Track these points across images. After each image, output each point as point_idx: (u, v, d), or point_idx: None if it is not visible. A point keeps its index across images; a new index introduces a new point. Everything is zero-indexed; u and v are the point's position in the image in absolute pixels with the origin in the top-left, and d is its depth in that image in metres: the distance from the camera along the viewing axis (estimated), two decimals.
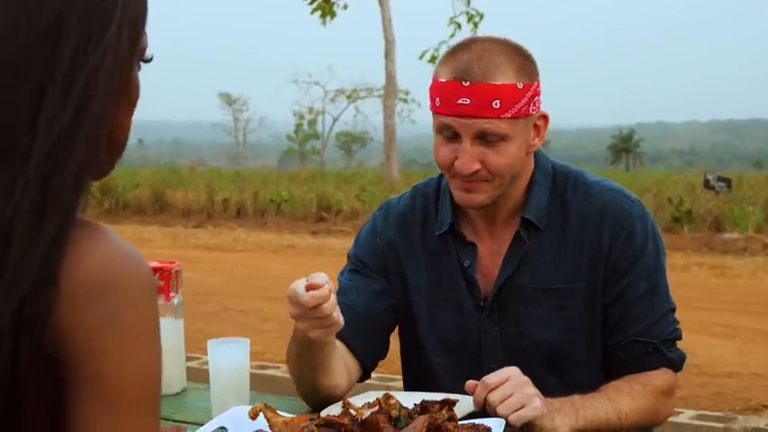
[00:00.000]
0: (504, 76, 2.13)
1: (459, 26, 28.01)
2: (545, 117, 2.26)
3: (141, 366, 1.04)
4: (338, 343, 2.22)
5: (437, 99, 2.18)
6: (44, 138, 1.01)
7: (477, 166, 2.16)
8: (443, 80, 2.16)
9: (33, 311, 0.99)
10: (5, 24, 1.01)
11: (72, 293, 1.01)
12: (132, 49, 1.11)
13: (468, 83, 2.12)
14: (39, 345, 0.99)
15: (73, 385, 1.02)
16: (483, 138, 2.15)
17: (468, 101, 2.12)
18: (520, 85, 2.14)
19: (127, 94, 1.13)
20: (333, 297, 1.96)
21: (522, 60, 2.19)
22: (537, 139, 2.25)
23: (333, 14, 27.91)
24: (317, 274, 1.97)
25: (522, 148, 2.20)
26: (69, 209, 1.03)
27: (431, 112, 2.25)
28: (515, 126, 2.15)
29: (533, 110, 2.19)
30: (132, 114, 1.17)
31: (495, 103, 2.11)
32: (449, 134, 2.18)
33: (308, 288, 1.94)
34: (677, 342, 2.31)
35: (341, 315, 2.01)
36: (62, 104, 1.02)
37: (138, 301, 1.05)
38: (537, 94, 2.20)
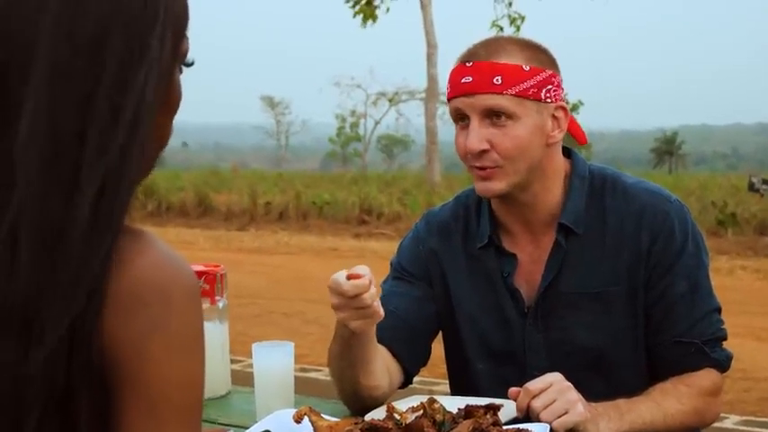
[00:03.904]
0: (508, 58, 2.19)
1: (502, 29, 27.99)
2: (564, 109, 2.27)
3: (185, 374, 1.05)
4: (381, 347, 2.23)
5: (448, 87, 2.26)
6: (96, 153, 1.01)
7: (485, 146, 2.18)
8: (452, 68, 2.25)
9: (83, 323, 1.00)
10: (52, 33, 1.02)
11: (118, 302, 1.02)
12: (174, 55, 1.12)
13: (471, 63, 2.20)
14: (87, 354, 1.00)
15: (118, 392, 1.03)
16: (490, 117, 2.18)
17: (471, 78, 2.19)
18: (526, 68, 2.18)
19: (168, 98, 1.13)
20: (373, 288, 1.99)
21: (533, 49, 2.24)
22: (557, 131, 2.26)
23: (374, 18, 28.06)
24: (359, 266, 1.99)
25: (534, 133, 2.20)
26: (121, 222, 1.04)
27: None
28: (522, 106, 2.18)
29: (547, 97, 2.21)
30: (173, 118, 1.18)
31: (497, 79, 2.16)
32: (460, 119, 2.23)
33: (349, 278, 1.96)
34: (722, 342, 2.28)
35: (381, 306, 2.03)
36: (114, 120, 1.03)
37: (183, 308, 1.05)
38: (551, 83, 2.22)
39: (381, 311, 2.03)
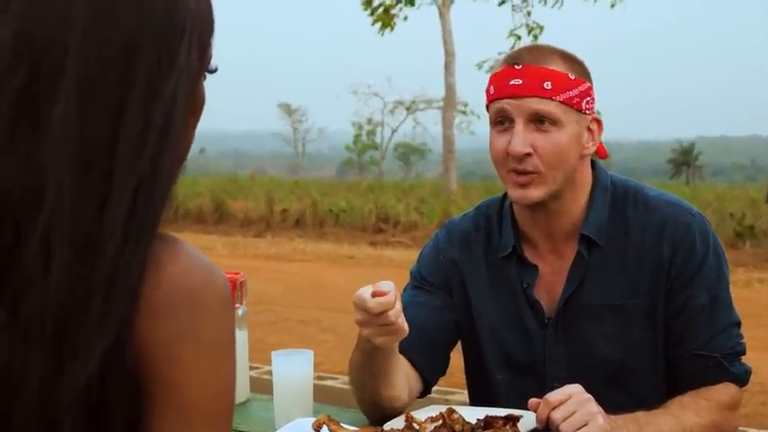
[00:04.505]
0: (556, 65, 2.20)
1: (520, 38, 27.95)
2: (599, 122, 2.28)
3: (215, 380, 1.05)
4: (401, 358, 2.23)
5: (491, 88, 2.24)
6: (129, 160, 1.02)
7: (528, 149, 2.17)
8: (498, 70, 2.24)
9: (117, 330, 1.00)
10: (81, 44, 1.03)
11: (150, 307, 1.02)
12: (200, 62, 1.13)
13: (520, 66, 2.20)
14: (121, 360, 1.01)
15: (150, 396, 1.03)
16: (535, 122, 2.18)
17: (520, 81, 2.18)
18: (571, 76, 2.19)
19: (193, 104, 1.14)
20: (398, 304, 1.98)
21: (575, 61, 2.25)
22: (591, 144, 2.26)
23: (392, 26, 28.11)
24: (383, 282, 1.98)
25: (573, 143, 2.21)
26: (156, 229, 1.05)
27: (487, 115, 2.30)
28: (567, 114, 2.19)
29: (586, 109, 2.22)
30: (197, 123, 1.18)
31: (547, 84, 2.16)
32: (503, 121, 2.22)
33: (374, 295, 1.95)
34: (741, 356, 2.28)
35: (405, 322, 2.02)
36: (146, 127, 1.04)
37: (215, 314, 1.06)
38: (589, 95, 2.23)
39: (406, 328, 2.02)
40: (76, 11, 1.03)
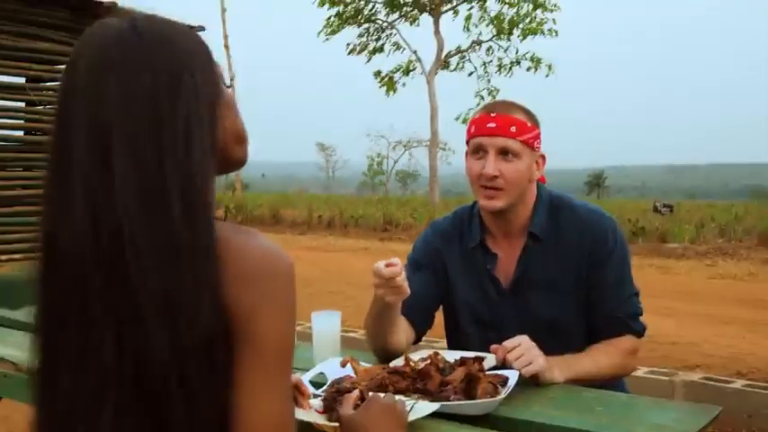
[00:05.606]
0: (519, 115, 2.19)
1: (483, 98, 28.53)
2: (543, 157, 2.27)
3: (285, 332, 1.03)
4: (401, 317, 2.20)
5: (472, 128, 2.22)
6: (177, 182, 0.98)
7: (496, 173, 2.17)
8: (477, 116, 2.22)
9: (213, 302, 0.99)
10: (124, 89, 0.99)
11: (237, 277, 1.00)
12: (212, 88, 1.06)
13: (494, 114, 2.18)
14: (221, 321, 0.99)
15: (237, 346, 1.01)
16: (502, 154, 2.16)
17: (494, 124, 2.16)
18: (529, 124, 2.18)
19: (225, 110, 1.08)
20: (403, 273, 1.97)
21: (529, 112, 2.24)
22: (537, 172, 2.25)
23: (394, 89, 28.77)
24: (393, 258, 1.98)
25: (528, 170, 2.20)
26: (211, 225, 1.01)
27: (466, 148, 2.27)
28: (524, 150, 2.18)
29: (536, 147, 2.21)
30: (238, 118, 1.11)
31: (513, 128, 2.15)
32: (479, 152, 2.20)
33: (387, 266, 1.95)
34: (640, 317, 2.25)
35: (408, 285, 2.00)
36: (186, 146, 0.99)
37: (285, 284, 1.03)
38: (538, 138, 2.22)
39: (408, 289, 2.00)
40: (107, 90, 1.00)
